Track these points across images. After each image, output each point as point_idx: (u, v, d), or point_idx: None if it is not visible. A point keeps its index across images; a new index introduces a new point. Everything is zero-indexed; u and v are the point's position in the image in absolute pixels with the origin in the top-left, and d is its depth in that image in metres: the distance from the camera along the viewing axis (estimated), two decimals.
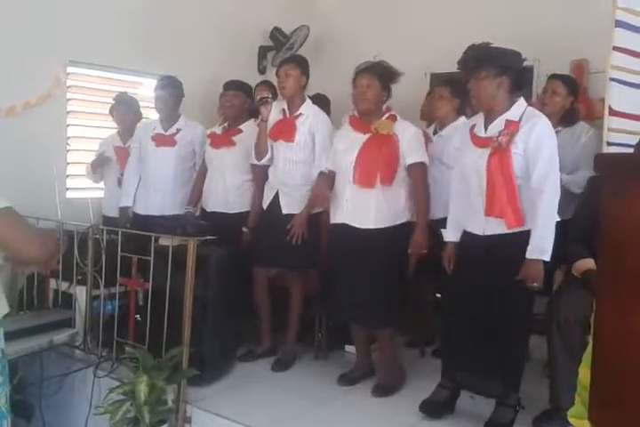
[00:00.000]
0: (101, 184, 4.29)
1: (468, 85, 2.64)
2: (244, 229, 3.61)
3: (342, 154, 3.09)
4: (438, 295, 3.63)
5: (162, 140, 3.88)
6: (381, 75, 3.02)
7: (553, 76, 3.46)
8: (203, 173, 3.86)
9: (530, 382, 2.70)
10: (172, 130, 3.90)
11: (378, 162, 2.96)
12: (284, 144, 3.39)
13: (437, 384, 2.86)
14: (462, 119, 3.58)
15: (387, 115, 3.06)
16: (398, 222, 3.01)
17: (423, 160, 3.03)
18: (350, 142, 3.07)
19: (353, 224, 3.03)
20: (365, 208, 3.00)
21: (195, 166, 3.98)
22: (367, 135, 3.02)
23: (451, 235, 2.82)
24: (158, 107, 3.89)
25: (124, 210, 3.92)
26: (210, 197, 3.78)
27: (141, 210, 3.92)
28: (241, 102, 3.71)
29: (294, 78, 3.35)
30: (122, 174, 4.06)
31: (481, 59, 2.57)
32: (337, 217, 3.10)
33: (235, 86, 3.74)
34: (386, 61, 3.08)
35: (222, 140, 3.73)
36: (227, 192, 3.71)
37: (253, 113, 3.73)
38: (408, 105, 4.29)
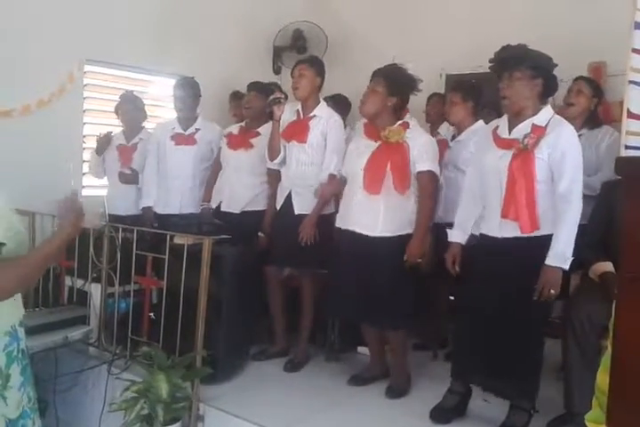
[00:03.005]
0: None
1: (500, 85, 2.57)
2: (260, 234, 3.59)
3: (352, 160, 3.10)
4: (451, 298, 3.61)
5: (181, 140, 3.90)
6: (389, 80, 2.96)
7: (578, 78, 3.47)
8: (216, 171, 3.88)
9: (543, 385, 2.68)
10: (192, 129, 3.93)
11: (386, 169, 2.93)
12: (296, 145, 3.39)
13: (447, 389, 2.84)
14: (480, 122, 3.57)
15: (399, 122, 3.01)
16: (406, 232, 2.96)
17: (431, 169, 2.97)
18: (361, 149, 3.07)
19: (360, 231, 3.01)
20: (372, 216, 2.98)
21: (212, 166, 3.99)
22: (378, 143, 2.99)
23: (456, 235, 2.80)
24: (178, 107, 3.93)
25: (146, 210, 3.93)
26: (223, 196, 3.78)
27: (160, 209, 3.93)
28: (261, 104, 3.65)
29: (308, 79, 3.35)
30: (126, 169, 4.06)
31: (519, 58, 2.52)
32: (344, 223, 3.08)
33: (256, 87, 3.75)
34: (398, 65, 3.02)
35: (240, 142, 3.73)
36: (241, 193, 3.72)
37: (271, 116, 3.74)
38: (423, 106, 4.30)
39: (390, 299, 2.94)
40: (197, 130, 3.93)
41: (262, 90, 3.73)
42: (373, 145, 3.01)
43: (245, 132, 3.75)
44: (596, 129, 3.35)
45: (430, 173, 2.98)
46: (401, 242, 2.95)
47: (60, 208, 1.83)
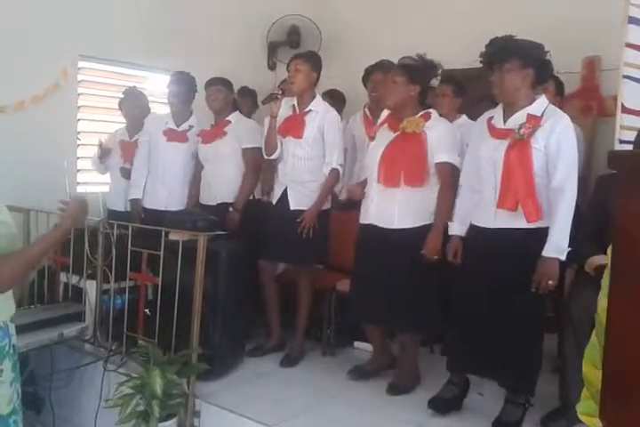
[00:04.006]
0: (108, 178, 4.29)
1: (491, 78, 2.57)
2: (231, 209, 3.63)
3: (372, 152, 3.07)
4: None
5: (173, 136, 3.88)
6: (409, 69, 2.93)
7: None
8: (199, 173, 3.89)
9: (538, 379, 2.69)
10: (185, 126, 3.91)
11: (402, 161, 2.90)
12: (292, 140, 3.39)
13: (447, 381, 2.85)
14: (464, 117, 3.57)
15: (422, 113, 2.98)
16: (427, 223, 2.91)
17: (450, 161, 2.89)
18: (381, 140, 3.04)
19: (378, 224, 2.98)
20: (389, 208, 2.94)
21: None
22: (396, 133, 2.97)
23: (456, 228, 2.78)
24: (171, 102, 3.91)
25: (134, 202, 3.91)
26: (210, 190, 3.79)
27: (147, 203, 3.91)
28: (224, 96, 3.76)
29: (304, 74, 3.35)
30: (129, 165, 4.05)
31: (507, 50, 2.52)
32: (364, 217, 3.05)
33: (216, 82, 3.77)
34: (422, 55, 2.97)
35: (213, 133, 3.77)
36: (226, 182, 3.74)
37: (237, 106, 3.88)
38: None
39: (410, 297, 2.89)
40: (191, 127, 3.90)
41: (222, 83, 3.78)
42: (392, 136, 2.98)
43: (217, 125, 3.79)
44: None
45: (449, 166, 2.91)
46: (419, 233, 2.89)
47: (71, 206, 1.92)
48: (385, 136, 3.03)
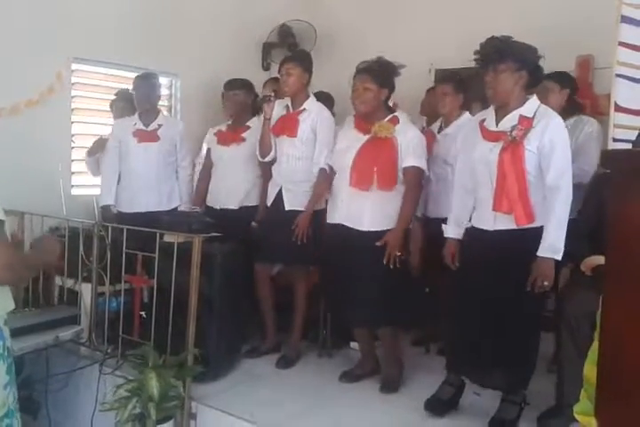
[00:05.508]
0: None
1: (485, 78, 2.57)
2: (254, 224, 3.63)
3: (341, 154, 3.08)
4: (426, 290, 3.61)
5: (144, 136, 3.84)
6: (377, 74, 2.96)
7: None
8: (207, 173, 3.87)
9: (535, 377, 2.70)
10: (154, 125, 3.88)
11: (374, 165, 2.93)
12: (286, 140, 3.39)
13: (443, 381, 2.85)
14: (466, 115, 3.57)
15: (389, 117, 3.01)
16: (392, 227, 2.95)
17: (418, 165, 2.97)
18: (350, 142, 3.05)
19: (347, 224, 3.02)
20: (360, 210, 2.98)
21: (176, 161, 3.96)
22: (367, 136, 2.99)
23: (451, 231, 2.80)
24: (140, 103, 3.87)
25: (106, 209, 3.82)
26: (220, 194, 3.78)
27: (127, 208, 3.85)
28: (243, 100, 3.73)
29: (295, 77, 3.35)
30: None
31: (503, 51, 2.52)
32: (333, 217, 3.09)
33: (235, 85, 3.75)
34: (383, 58, 3.01)
35: (232, 137, 3.75)
36: (238, 187, 3.73)
37: (256, 110, 3.80)
38: (412, 101, 4.29)
39: (374, 295, 2.93)
40: (160, 126, 3.88)
41: (241, 86, 3.75)
42: (362, 139, 3.00)
43: (235, 128, 3.76)
44: (572, 118, 3.33)
45: (415, 169, 2.97)
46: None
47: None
48: (353, 139, 3.04)
